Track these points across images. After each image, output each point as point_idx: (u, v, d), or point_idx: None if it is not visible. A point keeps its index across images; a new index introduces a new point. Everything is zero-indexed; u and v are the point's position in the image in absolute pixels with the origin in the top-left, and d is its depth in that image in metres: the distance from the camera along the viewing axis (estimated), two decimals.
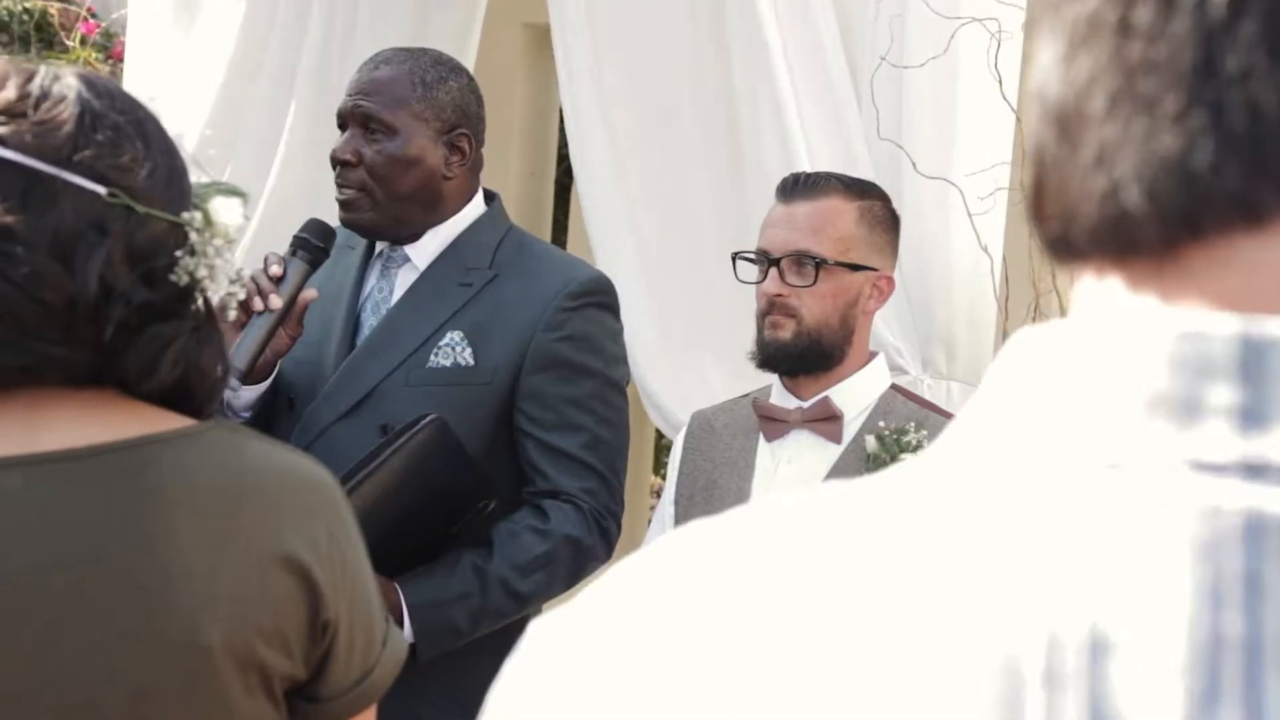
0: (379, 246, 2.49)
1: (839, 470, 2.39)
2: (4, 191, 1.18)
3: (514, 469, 2.38)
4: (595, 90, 3.07)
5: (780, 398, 2.46)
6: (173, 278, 1.23)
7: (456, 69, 2.46)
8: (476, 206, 2.47)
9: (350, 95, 2.40)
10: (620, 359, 2.48)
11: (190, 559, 1.20)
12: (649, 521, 3.09)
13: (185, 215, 1.25)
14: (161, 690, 1.20)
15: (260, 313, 2.26)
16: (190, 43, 3.40)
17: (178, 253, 1.23)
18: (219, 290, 1.27)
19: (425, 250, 2.44)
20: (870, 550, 0.53)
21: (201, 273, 1.24)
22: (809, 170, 2.59)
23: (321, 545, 1.25)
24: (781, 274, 2.38)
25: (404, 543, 2.23)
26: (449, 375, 2.36)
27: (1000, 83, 2.77)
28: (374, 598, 1.33)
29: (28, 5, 4.70)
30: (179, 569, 1.19)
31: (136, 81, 3.33)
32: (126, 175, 1.21)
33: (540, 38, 4.68)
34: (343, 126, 2.41)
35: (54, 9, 4.47)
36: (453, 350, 2.37)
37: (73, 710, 1.18)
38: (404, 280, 2.45)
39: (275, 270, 2.28)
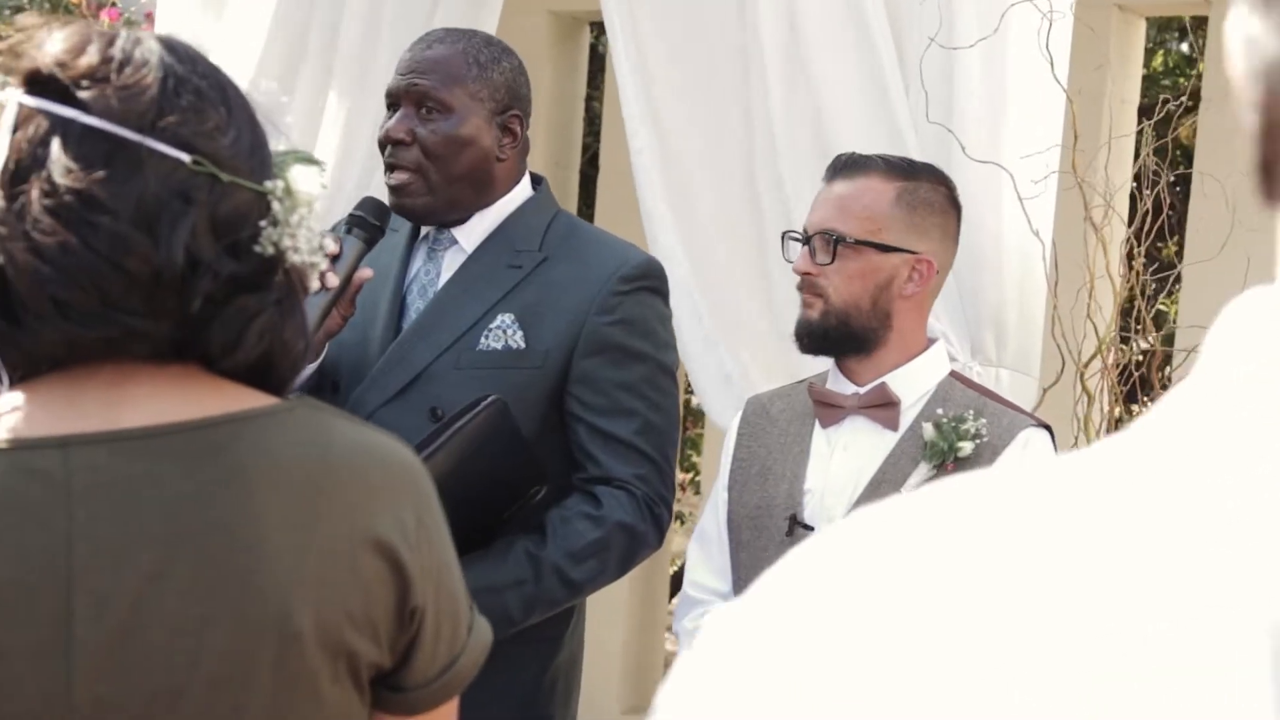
0: (424, 229, 2.45)
1: (895, 458, 2.35)
2: (87, 159, 1.14)
3: (564, 453, 2.35)
4: (640, 76, 3.03)
5: (836, 383, 2.42)
6: (257, 248, 1.19)
7: (507, 50, 2.43)
8: (524, 189, 2.44)
9: (403, 74, 2.35)
10: (670, 344, 2.45)
11: (278, 540, 1.16)
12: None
13: (268, 184, 1.21)
14: (248, 676, 1.16)
15: (316, 291, 2.20)
16: (220, 30, 3.36)
17: (261, 222, 1.19)
18: (302, 260, 1.22)
19: (473, 232, 2.40)
20: (1113, 523, 0.51)
21: (286, 243, 1.20)
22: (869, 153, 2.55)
23: (410, 529, 1.22)
24: (812, 253, 2.36)
25: (457, 528, 2.19)
26: (500, 358, 2.32)
27: (1051, 64, 2.73)
28: (460, 584, 1.29)
29: None
30: (266, 550, 1.16)
31: None
32: (210, 142, 1.17)
33: (568, 25, 4.64)
34: (393, 106, 2.36)
35: None
36: (504, 332, 2.33)
37: (158, 695, 1.15)
38: (451, 263, 2.41)
39: (331, 248, 2.23)
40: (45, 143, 1.15)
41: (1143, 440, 0.53)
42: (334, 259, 2.23)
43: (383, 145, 2.36)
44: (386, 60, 3.17)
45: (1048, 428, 2.39)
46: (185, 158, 1.16)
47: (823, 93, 2.83)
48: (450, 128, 2.33)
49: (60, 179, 1.13)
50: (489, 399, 2.17)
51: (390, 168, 2.35)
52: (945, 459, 2.31)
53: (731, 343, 2.93)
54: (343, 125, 3.28)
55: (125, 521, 1.15)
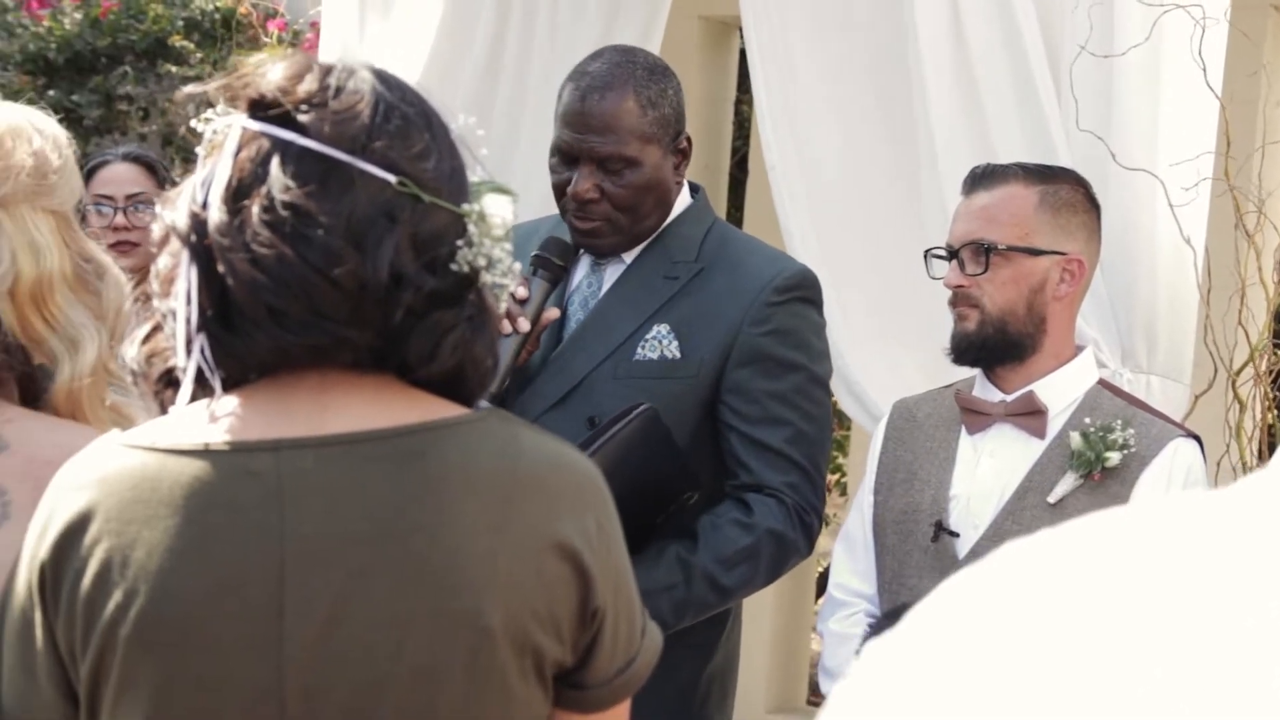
0: None
1: (1041, 467, 2.36)
2: (303, 177, 1.22)
3: (716, 461, 2.39)
4: (784, 83, 3.07)
5: (983, 390, 2.44)
6: (454, 266, 1.26)
7: (665, 71, 2.44)
8: (684, 198, 2.49)
9: (577, 132, 2.35)
10: (824, 354, 2.47)
11: (472, 542, 1.23)
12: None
13: (465, 206, 1.28)
14: (444, 669, 1.23)
15: (508, 334, 2.29)
16: (383, 43, 3.47)
17: (458, 242, 1.27)
18: (494, 280, 1.30)
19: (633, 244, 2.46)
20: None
21: (480, 263, 1.27)
22: (1004, 160, 2.57)
23: (591, 534, 1.28)
24: (962, 265, 2.38)
25: None
26: (656, 368, 2.38)
27: (1204, 71, 2.71)
28: (634, 589, 1.35)
29: (219, 4, 4.85)
30: (462, 551, 1.23)
31: None
32: (414, 165, 1.25)
33: (717, 31, 4.69)
34: (568, 159, 2.37)
35: (244, 8, 4.60)
36: (659, 343, 2.38)
37: (361, 685, 1.22)
38: (612, 274, 2.47)
39: (521, 293, 2.32)
40: (265, 162, 1.23)
41: None
42: (523, 303, 2.31)
43: (560, 191, 2.38)
44: (559, 66, 3.25)
45: (1196, 438, 2.39)
46: (392, 179, 1.24)
47: (977, 100, 2.84)
48: (637, 179, 2.36)
49: (278, 195, 1.22)
50: (641, 407, 2.23)
51: (579, 218, 2.38)
52: (1092, 468, 2.31)
53: (880, 349, 2.96)
54: (505, 128, 3.36)
55: (332, 521, 1.22)
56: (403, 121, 1.26)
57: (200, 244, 1.23)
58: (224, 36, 4.79)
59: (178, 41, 4.91)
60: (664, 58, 2.59)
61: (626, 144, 2.34)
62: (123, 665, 1.21)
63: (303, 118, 1.24)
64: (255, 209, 1.22)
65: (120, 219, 3.24)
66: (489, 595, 1.23)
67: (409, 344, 1.25)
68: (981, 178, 2.44)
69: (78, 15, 5.15)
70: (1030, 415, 2.39)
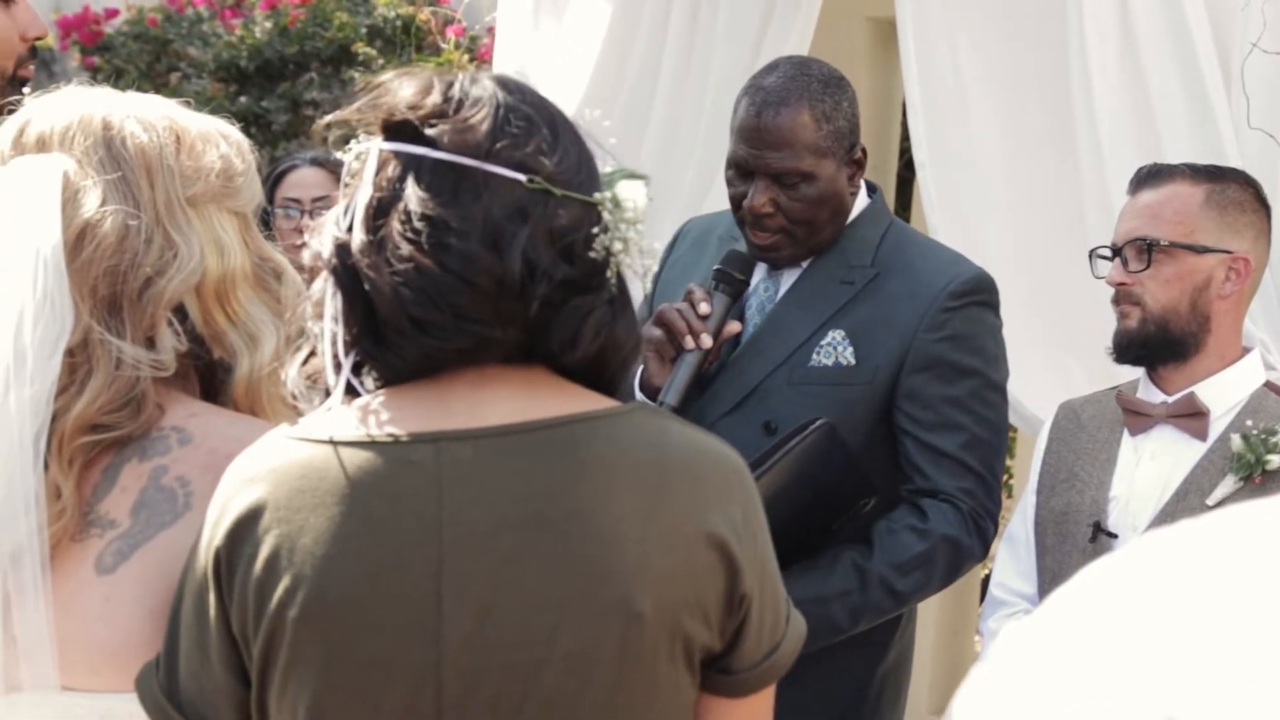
0: None
1: (1202, 469, 2.34)
2: (436, 187, 1.29)
3: (891, 466, 2.40)
4: (946, 84, 3.06)
5: (1145, 391, 2.42)
6: (591, 254, 1.31)
7: (840, 82, 2.44)
8: (861, 198, 2.49)
9: (753, 147, 2.37)
10: (1001, 358, 2.45)
11: (623, 529, 1.28)
12: None
13: (597, 195, 1.33)
14: (596, 653, 1.27)
15: (691, 350, 2.33)
16: (556, 45, 3.55)
17: (594, 229, 1.31)
18: (633, 263, 1.34)
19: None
20: None
21: (616, 246, 1.32)
22: (1171, 159, 2.54)
23: (738, 523, 1.32)
24: (1125, 263, 2.36)
25: (787, 540, 2.28)
26: (831, 374, 2.38)
27: None
28: (778, 577, 1.38)
29: (400, 12, 5.00)
30: (614, 538, 1.27)
31: None
32: (541, 162, 1.30)
33: (884, 31, 4.67)
34: (744, 173, 2.39)
35: (424, 15, 4.73)
36: (834, 349, 2.39)
37: (516, 668, 1.27)
38: (788, 278, 2.48)
39: (704, 309, 2.35)
40: (401, 179, 1.30)
41: None
42: (705, 318, 2.34)
43: (737, 204, 2.41)
44: (717, 69, 3.30)
45: None
46: (521, 177, 1.29)
47: (1145, 99, 2.81)
48: (813, 193, 2.37)
49: (414, 208, 1.28)
50: (817, 423, 2.24)
51: (755, 231, 2.40)
52: (1253, 471, 2.28)
53: (1046, 353, 2.94)
54: (667, 128, 3.41)
55: (488, 509, 1.27)
56: (525, 122, 1.31)
57: (345, 266, 1.30)
58: (404, 42, 4.94)
59: (361, 48, 5.08)
60: (830, 59, 2.60)
61: (801, 159, 2.34)
62: (290, 647, 1.27)
63: (431, 131, 1.30)
64: (394, 225, 1.28)
65: (307, 221, 3.38)
66: (639, 582, 1.27)
67: (552, 333, 1.30)
68: (1148, 177, 2.42)
69: (268, 24, 5.36)
70: (1192, 417, 2.36)
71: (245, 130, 1.63)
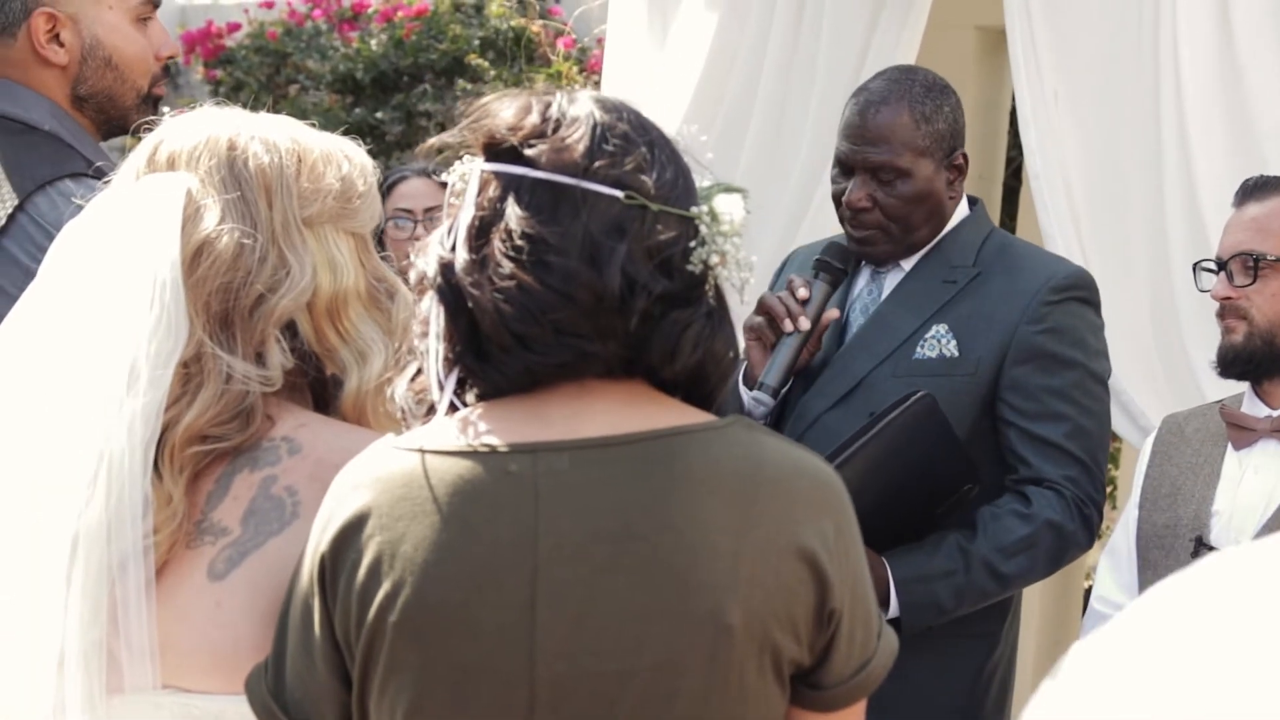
0: None
1: None
2: (535, 206, 1.32)
3: (996, 457, 2.44)
4: (1048, 90, 3.05)
5: (1251, 405, 2.41)
6: (689, 267, 1.34)
7: (944, 89, 2.52)
8: (961, 209, 2.55)
9: (854, 144, 2.47)
10: (1102, 353, 2.49)
11: (715, 542, 1.30)
12: None
13: (694, 210, 1.35)
14: (685, 664, 1.30)
15: (790, 333, 2.41)
16: (663, 56, 3.59)
17: (691, 243, 1.34)
18: (730, 275, 1.36)
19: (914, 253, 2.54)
20: None
21: (714, 260, 1.34)
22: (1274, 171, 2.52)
23: (830, 539, 1.33)
24: (1230, 277, 2.35)
25: (891, 519, 2.32)
26: (934, 366, 2.45)
27: None
28: (871, 594, 1.39)
29: (512, 24, 5.07)
30: (705, 550, 1.30)
31: (613, 92, 3.54)
32: (638, 178, 1.33)
33: (992, 40, 4.65)
34: (845, 170, 2.49)
35: (535, 27, 4.79)
36: (938, 342, 2.45)
37: (606, 676, 1.30)
38: (891, 280, 2.56)
39: (803, 294, 2.44)
40: (502, 199, 1.33)
41: None
42: (804, 303, 2.42)
43: (838, 200, 2.50)
44: (821, 79, 3.32)
45: None
46: (619, 194, 1.32)
47: (1237, 107, 2.79)
48: (908, 190, 2.45)
49: (515, 227, 1.31)
50: (918, 394, 2.30)
51: (854, 225, 2.49)
52: None
53: (1140, 363, 2.92)
54: (767, 141, 3.43)
55: (583, 519, 1.30)
56: (622, 140, 1.34)
57: (449, 285, 1.34)
58: (516, 54, 5.01)
59: (474, 60, 5.16)
60: (938, 68, 2.63)
61: (899, 155, 2.43)
62: (390, 651, 1.31)
63: (530, 152, 1.33)
64: (496, 244, 1.32)
65: (420, 231, 3.45)
66: (730, 595, 1.28)
67: (651, 346, 1.32)
68: (1254, 189, 2.41)
69: (384, 36, 5.46)
70: None
71: (360, 141, 1.66)
